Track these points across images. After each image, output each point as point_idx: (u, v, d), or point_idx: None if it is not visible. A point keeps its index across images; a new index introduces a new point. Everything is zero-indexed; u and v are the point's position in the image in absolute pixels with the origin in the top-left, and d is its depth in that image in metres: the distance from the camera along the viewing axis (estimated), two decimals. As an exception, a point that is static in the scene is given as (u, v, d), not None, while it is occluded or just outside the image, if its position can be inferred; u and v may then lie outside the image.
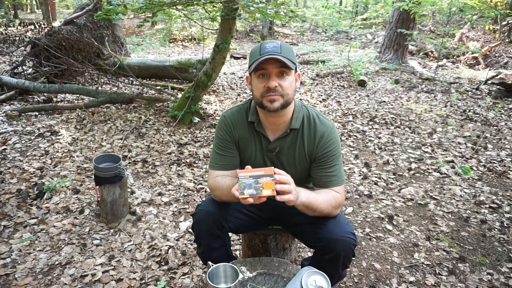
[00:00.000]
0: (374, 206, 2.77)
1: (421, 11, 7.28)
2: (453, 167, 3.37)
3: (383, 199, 2.87)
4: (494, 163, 3.47)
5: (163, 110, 4.60)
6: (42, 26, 6.30)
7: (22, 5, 20.26)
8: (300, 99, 5.42)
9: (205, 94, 5.26)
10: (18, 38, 5.72)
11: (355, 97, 5.70)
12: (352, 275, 2.07)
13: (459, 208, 2.75)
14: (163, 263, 2.11)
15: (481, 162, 3.49)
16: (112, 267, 2.06)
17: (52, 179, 2.89)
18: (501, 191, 2.99)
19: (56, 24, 10.70)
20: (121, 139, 3.74)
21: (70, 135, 3.73)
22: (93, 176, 2.76)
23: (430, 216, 2.65)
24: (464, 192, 2.97)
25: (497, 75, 6.45)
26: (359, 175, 3.23)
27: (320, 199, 1.35)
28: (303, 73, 7.46)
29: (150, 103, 4.74)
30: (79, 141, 3.64)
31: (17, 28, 10.54)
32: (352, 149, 3.79)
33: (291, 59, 1.32)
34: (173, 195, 2.86)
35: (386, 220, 2.60)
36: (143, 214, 2.57)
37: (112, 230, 2.38)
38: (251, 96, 1.45)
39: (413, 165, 3.41)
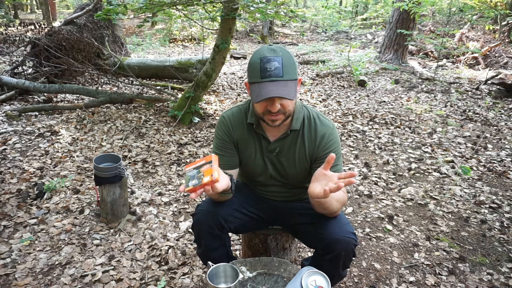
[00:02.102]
0: (374, 206, 2.77)
1: (421, 11, 7.28)
2: (453, 167, 3.37)
3: (383, 199, 2.87)
4: (494, 163, 3.47)
5: (163, 110, 4.60)
6: (42, 26, 6.31)
7: (22, 5, 20.25)
8: (300, 99, 5.43)
9: (205, 94, 5.27)
10: (18, 38, 5.72)
11: (355, 97, 5.70)
12: (352, 275, 2.07)
13: (459, 208, 2.75)
14: (163, 263, 2.11)
15: (481, 162, 3.49)
16: (112, 267, 2.06)
17: (52, 179, 2.89)
18: (501, 191, 2.99)
19: (56, 24, 10.70)
20: (121, 139, 3.74)
21: (70, 135, 3.73)
22: (93, 176, 2.76)
23: (430, 216, 2.65)
24: (464, 192, 2.97)
25: (497, 75, 6.45)
26: (359, 175, 3.23)
27: (334, 198, 1.31)
28: (303, 73, 7.46)
29: (150, 103, 4.74)
30: (79, 141, 3.64)
31: (17, 28, 10.54)
32: (352, 149, 3.79)
33: (293, 77, 1.26)
34: (173, 195, 2.86)
35: (386, 220, 2.60)
36: (143, 214, 2.57)
37: (112, 230, 2.38)
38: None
39: (413, 165, 3.41)
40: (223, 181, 1.19)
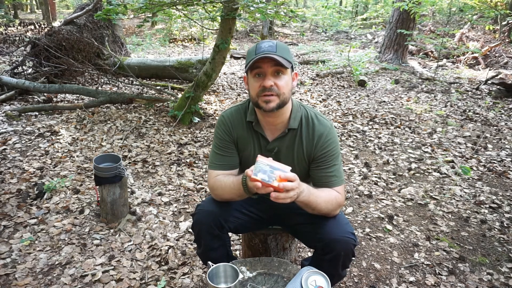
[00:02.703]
0: (374, 206, 2.77)
1: (421, 11, 7.28)
2: (453, 167, 3.37)
3: (383, 199, 2.87)
4: (494, 163, 3.47)
5: (163, 110, 4.60)
6: (42, 26, 6.31)
7: (22, 5, 20.25)
8: (300, 99, 5.43)
9: (205, 94, 5.27)
10: (18, 38, 5.72)
11: (355, 97, 5.70)
12: (352, 275, 2.07)
13: (459, 208, 2.75)
14: (163, 263, 2.11)
15: (481, 162, 3.49)
16: (112, 267, 2.06)
17: (52, 179, 2.89)
18: (501, 191, 2.99)
19: (56, 24, 10.70)
20: (121, 139, 3.74)
21: (70, 135, 3.73)
22: (93, 176, 2.76)
23: (430, 216, 2.65)
24: (464, 192, 2.97)
25: (497, 75, 6.45)
26: (359, 175, 3.23)
27: (321, 199, 1.35)
28: (303, 73, 7.46)
29: (150, 103, 4.74)
30: (79, 141, 3.64)
31: (17, 28, 10.54)
32: (352, 149, 3.79)
33: (287, 58, 1.32)
34: (173, 195, 2.86)
35: (386, 220, 2.60)
36: (143, 214, 2.57)
37: (112, 230, 2.38)
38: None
39: (413, 165, 3.41)
40: None
